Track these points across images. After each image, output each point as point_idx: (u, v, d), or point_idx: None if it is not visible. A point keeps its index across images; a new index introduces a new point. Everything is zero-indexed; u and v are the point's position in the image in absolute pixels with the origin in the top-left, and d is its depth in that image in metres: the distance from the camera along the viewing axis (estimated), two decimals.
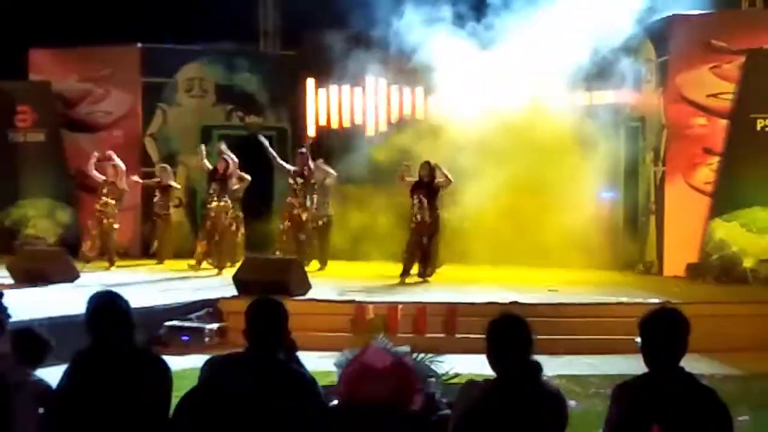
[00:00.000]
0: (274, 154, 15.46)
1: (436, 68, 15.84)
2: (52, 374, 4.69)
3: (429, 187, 13.75)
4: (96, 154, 15.81)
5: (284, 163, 15.41)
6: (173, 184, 16.40)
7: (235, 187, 15.18)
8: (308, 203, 14.88)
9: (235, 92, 18.48)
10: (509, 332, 4.05)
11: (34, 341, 4.74)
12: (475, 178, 15.13)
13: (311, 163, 15.02)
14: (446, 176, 13.76)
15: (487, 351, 4.06)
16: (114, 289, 4.65)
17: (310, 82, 17.86)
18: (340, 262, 15.77)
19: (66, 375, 4.46)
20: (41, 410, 4.47)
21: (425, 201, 13.68)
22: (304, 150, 15.15)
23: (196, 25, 17.05)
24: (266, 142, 15.36)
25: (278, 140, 18.58)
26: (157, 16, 17.28)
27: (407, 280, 13.75)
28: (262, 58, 19.07)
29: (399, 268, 13.88)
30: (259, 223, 16.49)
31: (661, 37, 14.86)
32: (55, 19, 17.65)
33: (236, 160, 15.09)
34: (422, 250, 13.83)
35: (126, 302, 4.54)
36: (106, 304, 4.50)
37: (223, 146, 15.24)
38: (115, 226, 15.52)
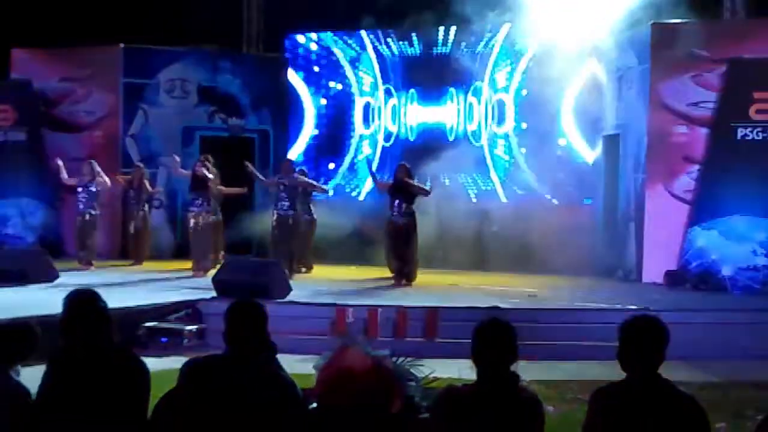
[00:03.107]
0: (258, 175, 15.25)
1: None
2: (27, 374, 4.66)
3: (405, 190, 13.76)
4: (59, 162, 15.67)
5: (264, 178, 15.34)
6: (147, 185, 16.36)
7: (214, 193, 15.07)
8: (297, 208, 14.74)
9: (217, 94, 18.43)
10: (495, 336, 4.06)
11: (10, 340, 4.69)
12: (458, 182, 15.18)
13: (299, 176, 14.96)
14: (423, 189, 13.82)
15: (473, 352, 4.05)
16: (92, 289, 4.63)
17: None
18: (323, 266, 15.74)
19: (45, 375, 4.44)
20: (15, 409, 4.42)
21: (403, 204, 13.71)
22: (288, 158, 15.02)
23: (180, 27, 17.01)
24: (253, 171, 15.08)
25: (260, 142, 18.59)
26: (141, 17, 17.24)
27: (388, 284, 13.77)
28: (245, 60, 19.05)
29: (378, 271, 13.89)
30: (239, 226, 16.45)
31: (643, 45, 14.90)
32: (37, 18, 17.57)
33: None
34: (397, 252, 13.85)
35: (103, 301, 4.52)
36: (85, 302, 4.48)
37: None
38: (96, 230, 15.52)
